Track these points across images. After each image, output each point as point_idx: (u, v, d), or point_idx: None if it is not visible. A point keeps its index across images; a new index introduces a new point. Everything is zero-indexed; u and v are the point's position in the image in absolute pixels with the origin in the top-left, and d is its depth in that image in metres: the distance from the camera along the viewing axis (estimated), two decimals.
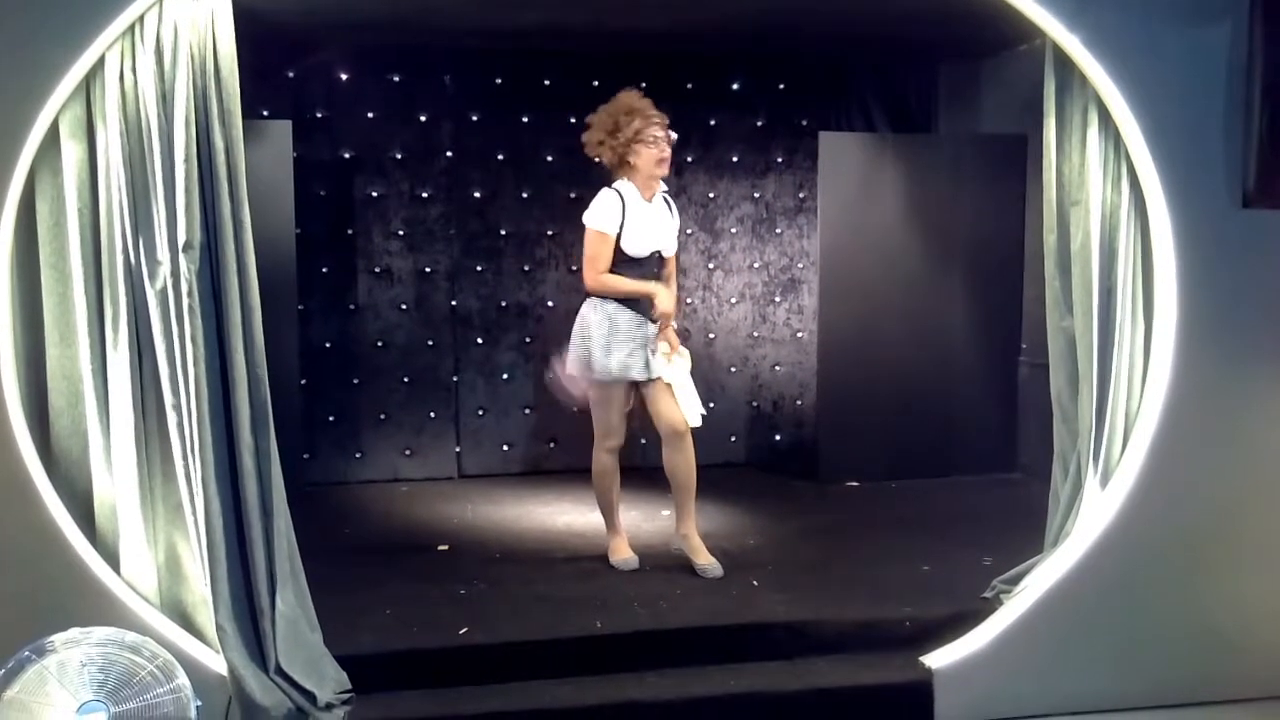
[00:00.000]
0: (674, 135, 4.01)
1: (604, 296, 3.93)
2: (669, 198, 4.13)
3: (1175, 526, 3.50)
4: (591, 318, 3.96)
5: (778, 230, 5.95)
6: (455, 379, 5.66)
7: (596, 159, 4.04)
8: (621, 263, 3.93)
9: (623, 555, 4.11)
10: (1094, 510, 3.48)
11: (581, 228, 3.81)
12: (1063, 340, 3.57)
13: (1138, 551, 3.48)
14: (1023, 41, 5.12)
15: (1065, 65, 3.43)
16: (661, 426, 4.01)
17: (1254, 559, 3.58)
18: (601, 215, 3.92)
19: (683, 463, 4.02)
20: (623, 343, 3.92)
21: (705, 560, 4.01)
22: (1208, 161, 3.43)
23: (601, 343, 3.92)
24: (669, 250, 4.08)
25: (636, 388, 4.02)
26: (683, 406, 3.97)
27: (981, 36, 5.10)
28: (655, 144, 3.92)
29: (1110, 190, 3.43)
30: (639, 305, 3.96)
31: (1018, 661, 3.44)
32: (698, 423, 4.00)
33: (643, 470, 4.81)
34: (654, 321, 3.97)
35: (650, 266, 4.00)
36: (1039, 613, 3.45)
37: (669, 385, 3.98)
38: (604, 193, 3.98)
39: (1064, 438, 3.61)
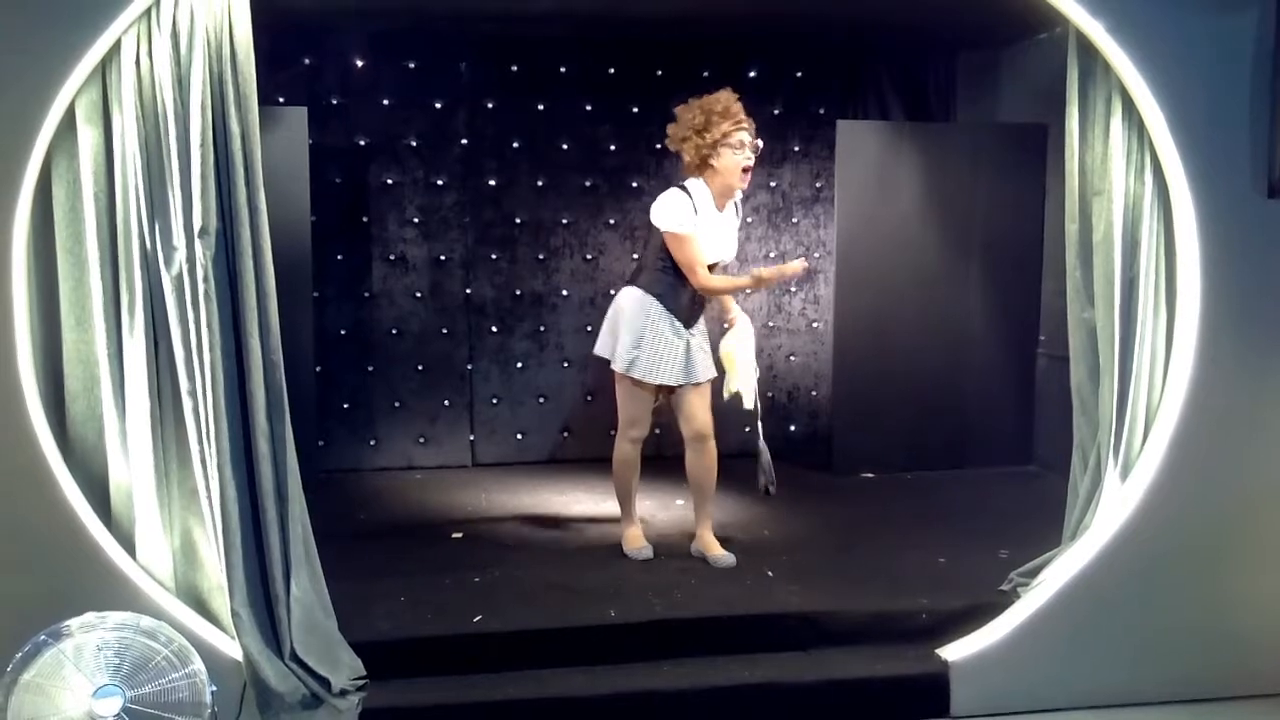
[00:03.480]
0: (760, 144, 3.87)
1: (718, 294, 3.96)
2: (738, 201, 4.02)
3: (1196, 520, 3.47)
4: (627, 308, 3.90)
5: (794, 220, 5.92)
6: (469, 367, 5.66)
7: (677, 154, 3.92)
8: (677, 269, 3.83)
9: (636, 545, 4.09)
10: (1113, 503, 3.45)
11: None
12: (1084, 332, 3.54)
13: (1157, 545, 3.45)
14: (1043, 29, 5.07)
15: (1088, 53, 3.39)
16: (685, 428, 3.98)
17: (1275, 554, 3.54)
18: (677, 217, 3.78)
19: (702, 467, 3.99)
20: (656, 345, 3.85)
21: (717, 553, 4.00)
22: (1233, 151, 3.38)
23: (633, 339, 3.86)
24: (730, 258, 4.00)
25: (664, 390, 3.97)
26: (741, 384, 3.97)
27: (1001, 24, 5.06)
28: (741, 150, 3.79)
29: (1133, 180, 3.39)
30: (680, 311, 3.88)
31: (1034, 655, 3.41)
32: (750, 405, 4.00)
33: (658, 460, 4.80)
34: (689, 327, 3.90)
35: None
36: (1056, 606, 3.43)
37: (697, 386, 3.94)
38: (672, 193, 3.83)
39: (1084, 430, 3.57)
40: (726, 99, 3.83)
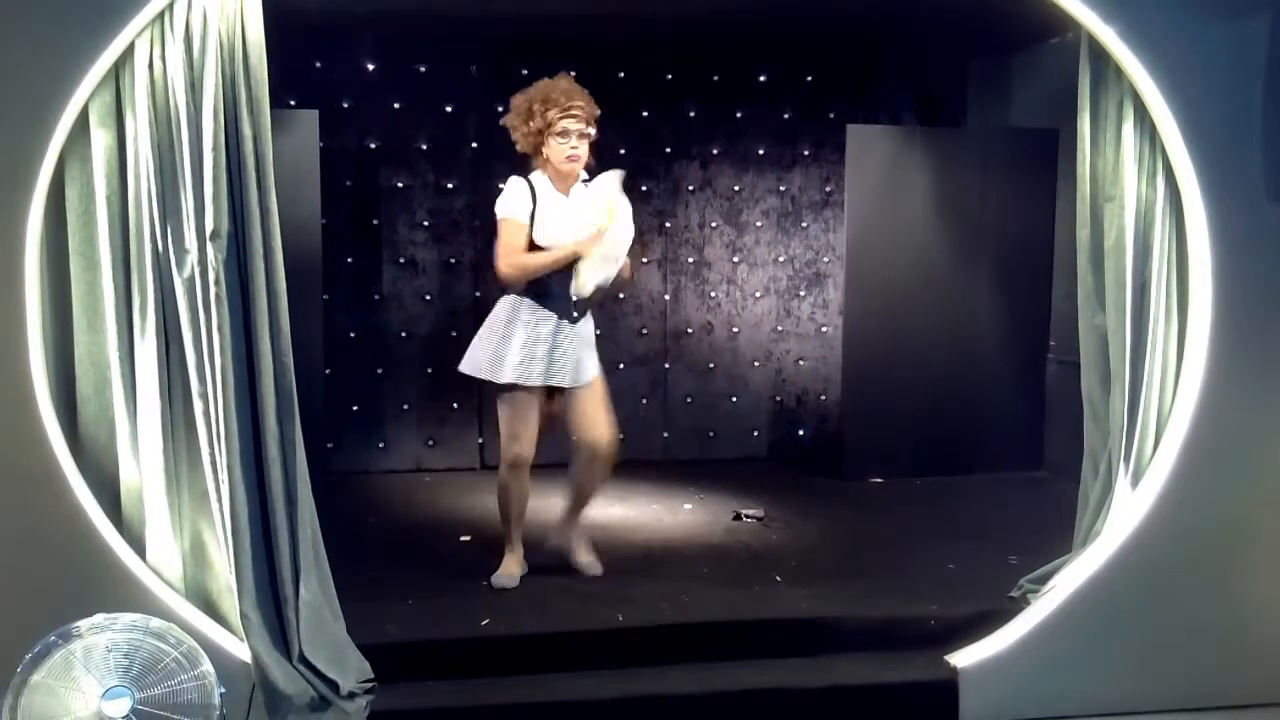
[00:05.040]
0: (592, 132, 3.67)
1: (522, 284, 3.64)
2: (593, 186, 3.75)
3: (1207, 527, 3.45)
4: (496, 312, 3.71)
5: (803, 224, 5.91)
6: None
7: (516, 147, 3.77)
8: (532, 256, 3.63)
9: (508, 572, 3.83)
10: (1124, 510, 3.44)
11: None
12: (1095, 338, 3.52)
13: (1168, 552, 3.43)
14: (1055, 34, 5.06)
15: (1100, 58, 3.38)
16: (580, 438, 3.77)
17: None
18: (510, 202, 3.65)
19: (592, 483, 3.84)
20: (523, 342, 3.63)
21: (587, 558, 3.91)
22: (1245, 157, 3.36)
23: (497, 340, 3.65)
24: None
25: (557, 394, 3.76)
26: (584, 270, 3.59)
27: (1013, 29, 5.05)
28: (565, 138, 3.62)
29: (1145, 185, 3.38)
30: (551, 302, 3.65)
31: (1044, 662, 3.40)
32: (586, 290, 3.60)
33: (664, 464, 4.80)
34: (572, 321, 3.67)
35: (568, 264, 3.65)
36: (1066, 613, 3.41)
37: (595, 391, 3.74)
38: (512, 180, 3.70)
39: (1094, 436, 3.56)
40: (547, 86, 3.68)
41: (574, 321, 3.70)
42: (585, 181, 3.79)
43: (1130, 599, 3.42)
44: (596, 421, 3.79)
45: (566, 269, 3.66)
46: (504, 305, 3.73)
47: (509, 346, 3.66)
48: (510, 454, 3.75)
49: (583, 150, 3.69)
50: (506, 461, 3.78)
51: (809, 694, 3.31)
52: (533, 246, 3.65)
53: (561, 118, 3.63)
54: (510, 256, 3.64)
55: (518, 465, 3.77)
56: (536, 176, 3.73)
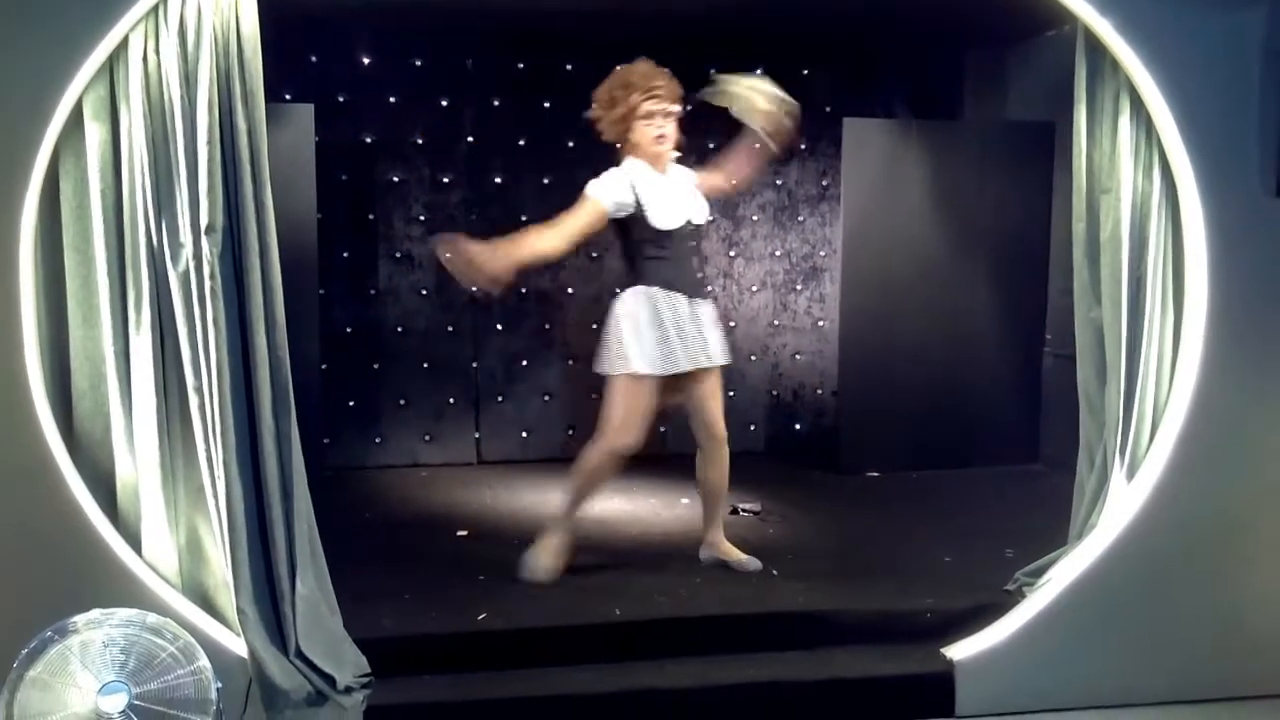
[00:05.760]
0: (678, 110, 3.68)
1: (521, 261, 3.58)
2: (678, 166, 3.84)
3: (1202, 520, 3.46)
4: (634, 309, 3.66)
5: (800, 218, 5.91)
6: (474, 365, 5.66)
7: (602, 137, 3.79)
8: (653, 241, 3.65)
9: (546, 564, 3.79)
10: (1120, 503, 3.44)
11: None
12: (1091, 331, 3.53)
13: (1164, 545, 3.44)
14: (1051, 26, 5.06)
15: (1097, 50, 3.38)
16: (699, 431, 3.85)
17: None
18: (605, 186, 3.64)
19: (716, 473, 3.89)
20: (665, 330, 3.64)
21: (740, 557, 3.94)
22: (1241, 150, 3.36)
23: (652, 333, 3.63)
24: (700, 217, 3.79)
25: (675, 385, 3.74)
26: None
27: (1009, 21, 5.04)
28: (651, 120, 3.64)
29: (1141, 178, 3.38)
30: (680, 283, 3.68)
31: (1040, 654, 3.40)
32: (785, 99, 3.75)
33: (662, 458, 4.80)
34: (701, 297, 3.73)
35: (686, 240, 3.72)
36: (1062, 605, 3.42)
37: (714, 379, 3.80)
38: (611, 172, 3.70)
39: (1090, 429, 3.57)
40: (626, 73, 3.69)
41: (696, 297, 3.72)
42: (677, 160, 3.79)
43: (1126, 591, 3.43)
44: (718, 412, 3.83)
45: (680, 253, 3.68)
46: (639, 299, 3.67)
47: (655, 337, 3.64)
48: (620, 442, 3.69)
49: (670, 130, 3.70)
50: (613, 448, 3.71)
51: (806, 687, 3.32)
52: (651, 230, 3.64)
53: (644, 100, 3.65)
54: (565, 228, 3.62)
55: (620, 456, 3.72)
56: (631, 164, 3.71)
